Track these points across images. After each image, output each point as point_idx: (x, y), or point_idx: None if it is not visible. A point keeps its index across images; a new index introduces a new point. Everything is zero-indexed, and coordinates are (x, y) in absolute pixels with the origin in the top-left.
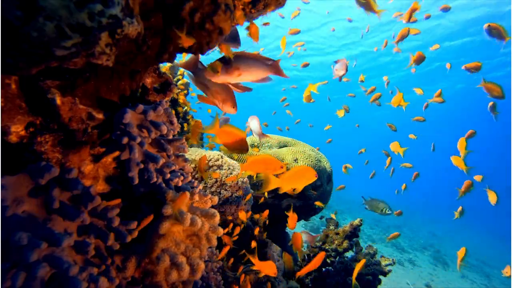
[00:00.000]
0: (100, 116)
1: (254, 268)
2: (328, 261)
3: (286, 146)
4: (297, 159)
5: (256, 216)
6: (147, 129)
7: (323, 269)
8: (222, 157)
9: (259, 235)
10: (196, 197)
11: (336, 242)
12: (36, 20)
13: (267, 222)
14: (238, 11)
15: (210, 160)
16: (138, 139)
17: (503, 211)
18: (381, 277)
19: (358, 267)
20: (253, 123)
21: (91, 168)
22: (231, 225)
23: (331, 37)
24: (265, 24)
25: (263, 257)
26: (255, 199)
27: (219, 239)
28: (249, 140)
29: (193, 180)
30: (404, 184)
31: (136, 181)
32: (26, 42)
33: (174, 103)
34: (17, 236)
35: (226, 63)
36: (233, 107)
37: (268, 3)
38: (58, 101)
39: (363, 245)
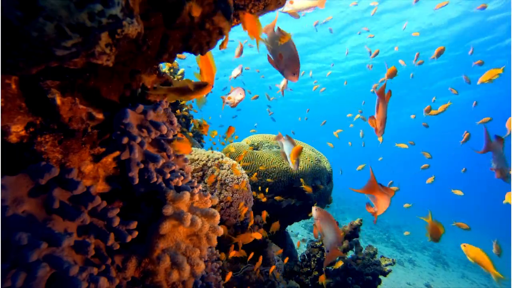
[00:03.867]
0: (100, 116)
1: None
2: None
3: None
4: None
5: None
6: (147, 129)
7: (323, 269)
8: (222, 157)
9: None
10: (196, 197)
11: None
12: (36, 20)
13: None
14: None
15: (210, 159)
16: (138, 139)
17: (503, 211)
18: (381, 277)
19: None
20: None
21: (91, 168)
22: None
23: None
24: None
25: (263, 256)
26: (255, 200)
27: (220, 238)
28: (249, 140)
29: (193, 180)
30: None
31: (136, 181)
32: (26, 42)
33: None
34: (17, 236)
35: None
36: (295, 75)
37: (268, 3)
38: (58, 101)
39: (363, 245)
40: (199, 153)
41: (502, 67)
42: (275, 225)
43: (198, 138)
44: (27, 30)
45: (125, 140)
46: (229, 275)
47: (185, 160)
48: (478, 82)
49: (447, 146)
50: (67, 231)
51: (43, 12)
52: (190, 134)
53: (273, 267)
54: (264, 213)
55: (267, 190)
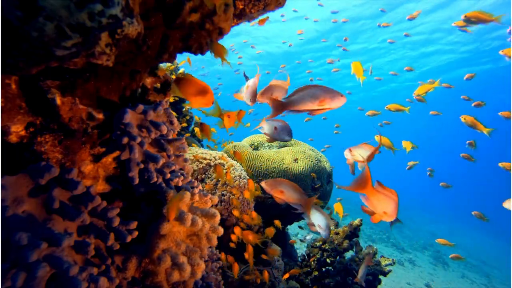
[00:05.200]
0: (100, 116)
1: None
2: (328, 261)
3: (286, 146)
4: (297, 159)
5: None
6: (147, 129)
7: (323, 269)
8: (224, 156)
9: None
10: (197, 197)
11: (336, 242)
12: (36, 20)
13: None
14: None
15: (211, 159)
16: (138, 139)
17: (503, 211)
18: (381, 277)
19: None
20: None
21: (91, 168)
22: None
23: None
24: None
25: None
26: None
27: (219, 238)
28: (249, 140)
29: (193, 180)
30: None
31: (137, 181)
32: (26, 42)
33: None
34: (17, 236)
35: None
36: (394, 215)
37: (268, 3)
38: (58, 101)
39: (363, 245)
40: (201, 153)
41: (438, 80)
42: (270, 231)
43: (198, 137)
44: (27, 30)
45: (125, 140)
46: (231, 259)
47: (185, 160)
48: (413, 95)
49: (440, 139)
50: (67, 231)
51: (43, 12)
52: (199, 134)
53: (265, 273)
54: (254, 214)
55: (257, 186)
